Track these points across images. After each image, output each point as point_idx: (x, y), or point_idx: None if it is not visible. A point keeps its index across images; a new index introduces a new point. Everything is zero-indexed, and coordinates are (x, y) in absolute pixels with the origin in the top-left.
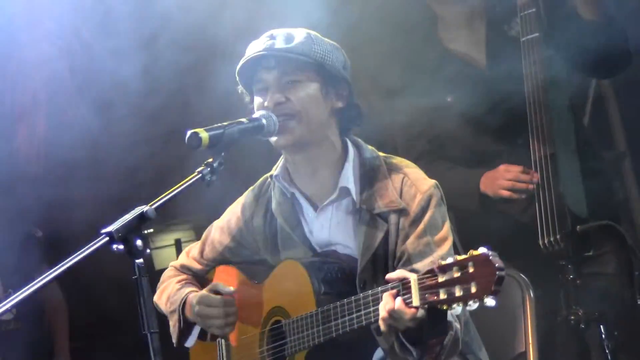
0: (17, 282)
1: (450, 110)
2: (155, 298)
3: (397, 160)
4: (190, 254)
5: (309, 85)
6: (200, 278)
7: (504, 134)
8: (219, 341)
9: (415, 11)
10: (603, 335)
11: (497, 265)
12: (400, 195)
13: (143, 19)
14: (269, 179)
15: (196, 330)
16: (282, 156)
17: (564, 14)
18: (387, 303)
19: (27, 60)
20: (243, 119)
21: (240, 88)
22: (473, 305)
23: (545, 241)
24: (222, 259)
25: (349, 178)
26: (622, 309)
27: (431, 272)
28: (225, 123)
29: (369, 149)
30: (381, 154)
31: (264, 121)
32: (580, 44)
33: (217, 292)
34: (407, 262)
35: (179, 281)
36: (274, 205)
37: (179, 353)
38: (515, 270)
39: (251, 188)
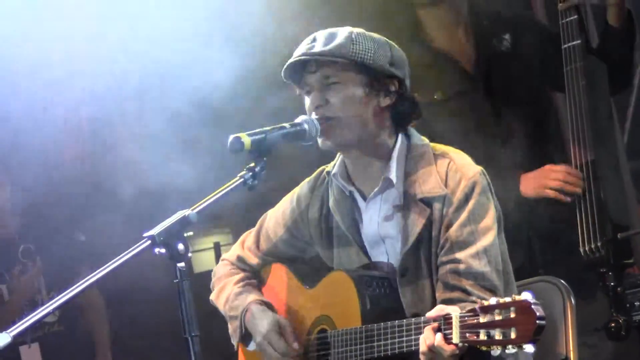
0: (60, 285)
1: (438, 108)
2: (213, 296)
3: (445, 147)
4: (246, 245)
5: (350, 85)
6: (256, 274)
7: (489, 136)
8: None
9: (399, 13)
10: None
11: (538, 314)
12: (446, 180)
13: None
14: (325, 173)
15: None
16: (339, 153)
17: (599, 20)
18: (428, 338)
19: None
20: (285, 124)
21: (297, 90)
22: (511, 350)
23: (587, 248)
24: (276, 250)
25: (392, 168)
26: None
27: (473, 312)
28: (267, 128)
29: (418, 136)
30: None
31: (305, 126)
32: (607, 51)
33: (282, 332)
34: (450, 250)
35: (238, 282)
36: (331, 202)
37: (219, 356)
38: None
39: (307, 180)
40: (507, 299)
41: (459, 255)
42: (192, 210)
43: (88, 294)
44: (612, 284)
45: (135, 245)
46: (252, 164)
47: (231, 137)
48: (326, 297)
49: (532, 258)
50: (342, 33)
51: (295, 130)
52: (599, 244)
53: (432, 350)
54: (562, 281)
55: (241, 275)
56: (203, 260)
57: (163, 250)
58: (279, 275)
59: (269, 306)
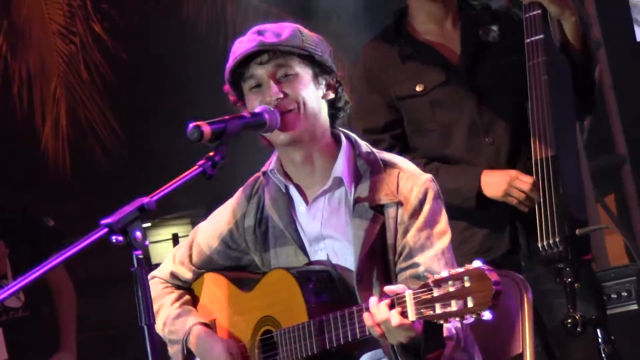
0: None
1: (420, 101)
2: None
3: (390, 155)
4: (178, 259)
5: (303, 77)
6: (190, 288)
7: (473, 131)
8: None
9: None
10: (600, 339)
11: (493, 279)
12: (397, 188)
13: None
14: (261, 177)
15: None
16: (274, 152)
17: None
18: (383, 313)
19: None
20: (245, 114)
21: (226, 87)
22: (470, 319)
23: (544, 243)
24: (210, 262)
25: (342, 169)
26: (620, 314)
27: (426, 287)
28: (227, 117)
29: (363, 144)
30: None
31: (266, 117)
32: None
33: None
34: (409, 256)
35: (174, 302)
36: (267, 200)
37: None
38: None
39: (242, 188)
40: (460, 269)
41: (418, 259)
42: (151, 198)
43: (58, 279)
44: (569, 279)
45: (93, 233)
46: (212, 153)
47: (191, 125)
48: (267, 297)
49: None
50: (287, 27)
51: (256, 121)
52: (557, 239)
53: (387, 326)
54: (519, 275)
55: (176, 294)
56: (161, 251)
57: (120, 238)
58: (214, 284)
59: (209, 327)
